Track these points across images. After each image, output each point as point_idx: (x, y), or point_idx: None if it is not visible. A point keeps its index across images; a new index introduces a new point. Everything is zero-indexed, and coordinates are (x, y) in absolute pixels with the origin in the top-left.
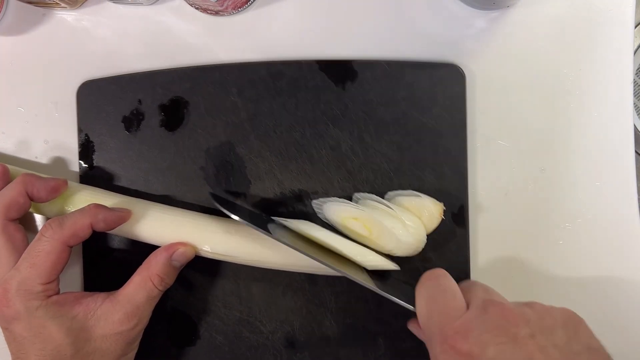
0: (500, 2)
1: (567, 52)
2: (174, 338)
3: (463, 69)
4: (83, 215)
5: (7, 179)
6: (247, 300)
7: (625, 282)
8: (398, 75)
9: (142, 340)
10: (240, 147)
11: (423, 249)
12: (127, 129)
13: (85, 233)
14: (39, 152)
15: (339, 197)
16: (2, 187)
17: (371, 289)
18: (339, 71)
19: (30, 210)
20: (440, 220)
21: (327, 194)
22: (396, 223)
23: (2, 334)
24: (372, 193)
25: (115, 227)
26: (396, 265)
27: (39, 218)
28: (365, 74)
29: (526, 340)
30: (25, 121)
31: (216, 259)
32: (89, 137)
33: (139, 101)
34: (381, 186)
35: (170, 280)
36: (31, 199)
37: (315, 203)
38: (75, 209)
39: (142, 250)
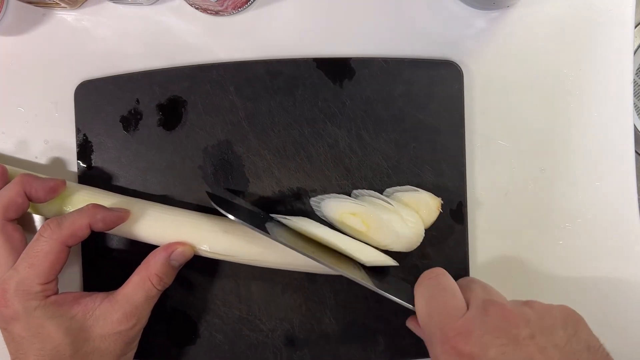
0: (500, 2)
1: (567, 52)
2: (173, 337)
3: (463, 69)
4: (81, 215)
5: (6, 179)
6: (246, 299)
7: (625, 282)
8: (395, 73)
9: (142, 340)
10: (238, 145)
11: (421, 245)
12: (125, 128)
13: (84, 233)
14: (39, 152)
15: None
16: (1, 188)
17: (370, 288)
18: (337, 69)
19: (29, 210)
20: (438, 213)
21: (325, 191)
22: (394, 217)
23: (1, 334)
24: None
25: (113, 227)
26: (395, 261)
27: (37, 218)
28: (362, 72)
29: (526, 341)
30: (25, 121)
31: (215, 258)
32: (87, 137)
33: (137, 101)
34: (379, 183)
35: (169, 280)
36: (29, 199)
37: (313, 201)
38: (73, 209)
39: (140, 250)
